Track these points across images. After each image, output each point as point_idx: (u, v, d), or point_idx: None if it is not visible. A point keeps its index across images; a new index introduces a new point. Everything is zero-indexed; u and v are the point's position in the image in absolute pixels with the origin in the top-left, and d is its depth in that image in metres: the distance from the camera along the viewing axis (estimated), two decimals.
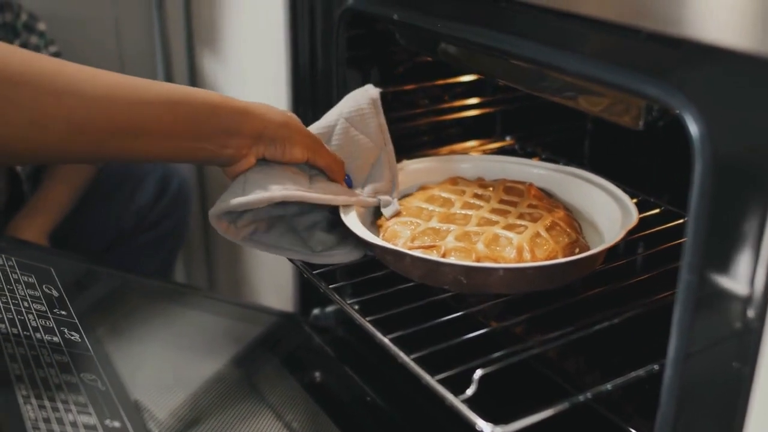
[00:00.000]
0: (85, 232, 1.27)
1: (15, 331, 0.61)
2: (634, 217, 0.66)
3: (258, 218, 0.67)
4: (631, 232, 0.65)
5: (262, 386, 0.81)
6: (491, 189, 0.75)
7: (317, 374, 0.88)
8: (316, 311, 1.01)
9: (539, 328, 0.67)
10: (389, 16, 0.73)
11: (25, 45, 1.19)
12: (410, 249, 0.64)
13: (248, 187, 0.62)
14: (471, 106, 1.00)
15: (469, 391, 0.54)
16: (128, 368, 0.66)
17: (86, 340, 0.66)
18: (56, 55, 1.22)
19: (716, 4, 0.44)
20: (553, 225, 0.66)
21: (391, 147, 0.73)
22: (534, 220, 0.68)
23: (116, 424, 0.56)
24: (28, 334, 0.62)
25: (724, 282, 0.47)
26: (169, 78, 1.42)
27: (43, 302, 0.68)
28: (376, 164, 0.72)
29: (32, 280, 0.71)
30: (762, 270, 0.45)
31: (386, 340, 0.60)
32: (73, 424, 0.53)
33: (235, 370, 0.80)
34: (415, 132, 0.97)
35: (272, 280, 1.21)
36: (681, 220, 0.76)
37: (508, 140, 1.01)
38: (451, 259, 0.63)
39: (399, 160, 0.76)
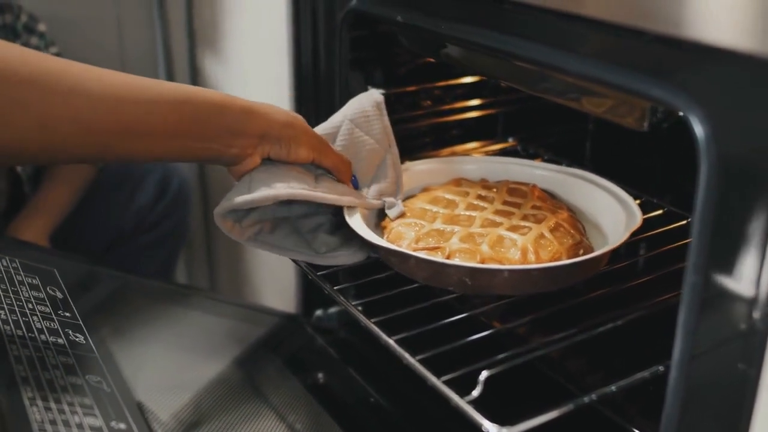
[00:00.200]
0: (85, 232, 1.27)
1: (20, 333, 0.61)
2: (638, 218, 0.66)
3: (263, 218, 0.67)
4: (634, 234, 0.65)
5: (265, 387, 0.81)
6: (495, 190, 0.75)
7: (320, 375, 0.88)
8: (318, 312, 1.01)
9: (543, 329, 0.67)
10: (393, 17, 0.73)
11: (25, 46, 1.18)
12: (415, 250, 0.64)
13: (253, 185, 0.62)
14: (473, 108, 1.00)
15: (475, 393, 0.54)
16: (132, 370, 0.66)
17: (90, 341, 0.66)
18: (57, 56, 1.22)
19: (720, 6, 0.44)
20: (557, 226, 0.67)
21: (395, 149, 0.73)
22: (538, 221, 0.68)
23: (122, 425, 0.56)
24: (33, 335, 0.62)
25: (729, 283, 0.47)
26: (170, 78, 1.42)
27: (48, 304, 0.68)
28: (381, 166, 0.72)
29: (36, 281, 0.71)
30: (767, 271, 0.45)
31: (392, 342, 0.60)
32: (79, 426, 0.53)
33: (238, 372, 0.80)
34: (416, 133, 0.97)
35: (274, 280, 1.21)
36: (684, 221, 0.76)
37: (510, 141, 1.01)
38: (456, 261, 0.63)
39: (401, 161, 0.76)
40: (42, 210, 1.18)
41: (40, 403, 0.53)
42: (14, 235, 1.15)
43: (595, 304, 0.65)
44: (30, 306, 0.66)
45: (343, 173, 0.69)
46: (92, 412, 0.55)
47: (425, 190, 0.77)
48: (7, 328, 0.61)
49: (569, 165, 0.85)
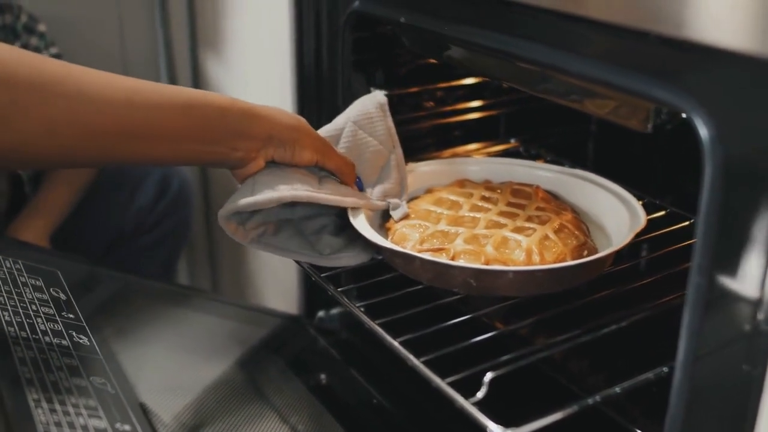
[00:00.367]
0: (85, 233, 1.27)
1: (24, 334, 0.61)
2: (642, 219, 0.66)
3: (266, 220, 0.67)
4: (637, 235, 0.65)
5: (267, 388, 0.81)
6: (499, 191, 0.75)
7: (323, 376, 0.88)
8: (321, 313, 1.01)
9: (547, 330, 0.67)
10: (395, 18, 0.73)
11: (25, 46, 1.19)
12: (419, 252, 0.64)
13: (257, 188, 0.62)
14: (475, 109, 1.01)
15: (480, 394, 0.54)
16: (136, 371, 0.66)
17: (94, 343, 0.66)
18: (57, 56, 1.22)
19: (725, 7, 0.44)
20: (562, 227, 0.67)
21: (399, 150, 0.74)
22: (542, 222, 0.68)
23: (126, 427, 0.56)
24: (37, 337, 0.62)
25: (734, 284, 0.47)
26: (172, 81, 1.42)
27: (51, 305, 0.68)
28: (385, 167, 0.72)
29: (39, 283, 0.72)
30: None
31: (396, 344, 0.60)
32: (84, 428, 0.53)
33: (241, 373, 0.80)
34: (418, 134, 0.97)
35: (277, 282, 1.21)
36: (687, 222, 0.76)
37: (513, 142, 1.01)
38: (461, 262, 0.63)
39: (405, 162, 0.76)
40: (42, 210, 1.18)
41: (45, 404, 0.53)
42: (14, 236, 1.15)
43: (599, 306, 0.65)
44: (34, 307, 0.66)
45: (347, 175, 0.69)
46: (97, 414, 0.55)
47: (429, 191, 0.77)
48: (11, 329, 0.61)
49: (571, 166, 0.85)
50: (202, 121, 0.60)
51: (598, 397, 0.57)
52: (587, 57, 0.55)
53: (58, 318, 0.67)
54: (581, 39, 0.55)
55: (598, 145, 1.00)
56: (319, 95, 0.90)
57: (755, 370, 0.47)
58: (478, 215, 0.70)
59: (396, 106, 0.75)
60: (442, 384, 0.56)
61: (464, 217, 0.70)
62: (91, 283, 0.81)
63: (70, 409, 0.54)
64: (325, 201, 0.65)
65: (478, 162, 0.84)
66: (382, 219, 0.73)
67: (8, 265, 0.71)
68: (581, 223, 0.70)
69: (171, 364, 0.76)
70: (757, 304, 0.46)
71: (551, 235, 0.65)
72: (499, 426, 0.53)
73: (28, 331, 0.62)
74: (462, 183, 0.77)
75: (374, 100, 0.74)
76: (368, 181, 0.72)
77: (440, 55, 0.80)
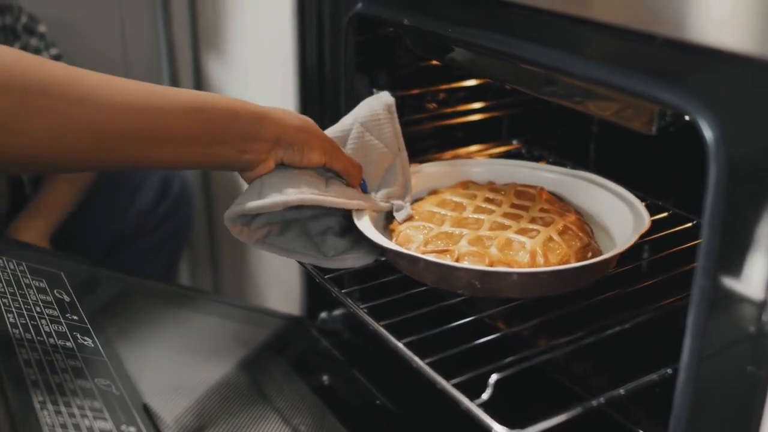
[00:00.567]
0: (85, 235, 1.26)
1: (29, 336, 0.61)
2: (646, 221, 0.66)
3: (272, 221, 0.67)
4: (641, 236, 0.65)
5: (270, 390, 0.81)
6: (503, 193, 0.75)
7: (325, 377, 0.88)
8: (323, 315, 1.01)
9: (551, 332, 0.67)
10: (399, 20, 0.73)
11: (25, 47, 1.18)
12: (424, 253, 0.64)
13: (264, 190, 0.62)
14: (477, 110, 1.01)
15: (485, 396, 0.54)
16: (141, 373, 0.66)
17: (99, 344, 0.66)
18: (57, 57, 1.22)
19: (730, 10, 0.44)
20: (566, 229, 0.67)
21: (405, 153, 0.74)
22: (546, 224, 0.68)
23: (132, 429, 0.56)
24: (41, 339, 0.62)
25: (739, 286, 0.47)
26: (174, 82, 1.41)
27: (55, 307, 0.68)
28: (390, 169, 0.73)
29: (43, 284, 0.72)
30: None
31: (401, 345, 0.61)
32: (90, 430, 0.53)
33: (244, 374, 0.80)
34: (421, 136, 0.97)
35: (279, 283, 1.21)
36: (689, 224, 0.76)
37: (515, 144, 1.01)
38: (466, 264, 0.63)
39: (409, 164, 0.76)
40: (43, 211, 1.18)
41: (50, 406, 0.53)
42: (14, 236, 1.14)
43: (603, 307, 0.65)
44: (38, 309, 0.66)
45: (354, 177, 0.69)
46: (102, 416, 0.55)
47: (433, 192, 0.77)
48: (16, 331, 0.61)
49: (573, 167, 0.85)
50: (212, 124, 0.60)
51: (602, 399, 0.57)
52: (591, 59, 0.55)
53: (62, 320, 0.67)
54: (585, 41, 0.56)
55: (599, 146, 1.00)
56: (322, 97, 0.90)
57: (760, 371, 0.47)
58: (482, 217, 0.70)
59: (398, 108, 0.75)
60: (447, 385, 0.56)
61: (468, 218, 0.70)
62: (94, 284, 0.81)
63: (76, 411, 0.54)
64: (332, 204, 0.65)
65: (482, 163, 0.84)
66: (386, 221, 0.73)
67: (12, 267, 0.71)
68: (585, 225, 0.70)
69: (174, 366, 0.76)
70: (761, 305, 0.46)
71: (555, 237, 0.65)
72: (505, 427, 0.53)
73: (33, 333, 0.62)
74: (466, 184, 0.77)
75: (381, 102, 0.74)
76: (373, 184, 0.72)
77: (443, 56, 0.80)
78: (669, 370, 0.58)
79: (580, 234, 0.67)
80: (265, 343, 0.90)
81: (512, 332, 0.67)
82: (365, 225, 0.66)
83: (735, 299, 0.47)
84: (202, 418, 0.69)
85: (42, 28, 1.22)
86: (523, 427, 0.53)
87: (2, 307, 0.64)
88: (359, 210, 0.68)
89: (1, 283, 0.68)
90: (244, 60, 1.17)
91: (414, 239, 0.67)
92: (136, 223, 1.29)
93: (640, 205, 0.70)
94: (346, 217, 0.69)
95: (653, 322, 0.64)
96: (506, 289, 0.61)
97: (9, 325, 0.62)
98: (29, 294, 0.68)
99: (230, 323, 0.90)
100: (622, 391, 0.58)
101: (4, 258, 0.72)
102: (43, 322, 0.65)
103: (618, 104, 0.64)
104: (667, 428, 0.52)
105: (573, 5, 0.54)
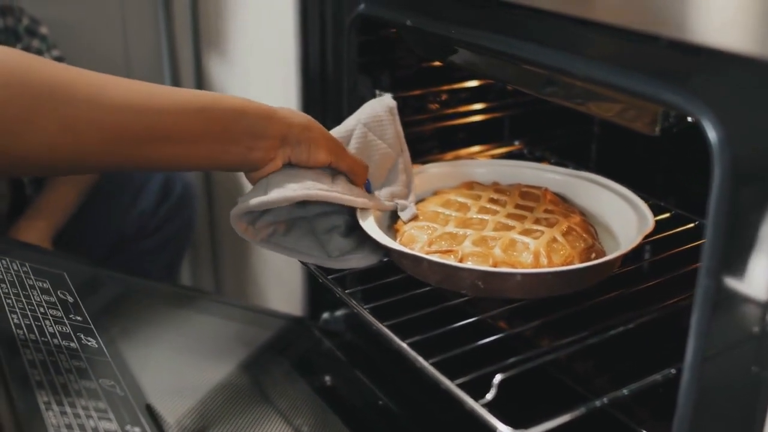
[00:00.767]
0: (87, 236, 1.26)
1: (33, 337, 0.61)
2: (650, 221, 0.66)
3: (277, 220, 0.67)
4: (644, 237, 0.66)
5: (272, 390, 0.81)
6: (507, 194, 0.75)
7: (327, 378, 0.88)
8: (325, 315, 1.01)
9: (554, 332, 0.68)
10: (401, 21, 0.73)
11: (27, 49, 1.18)
12: (428, 253, 0.64)
13: (270, 188, 0.62)
14: (479, 111, 1.01)
15: (489, 396, 0.55)
16: (144, 373, 0.66)
17: (102, 345, 0.66)
18: (59, 59, 1.22)
19: (732, 11, 0.44)
20: (570, 230, 0.67)
21: (407, 153, 0.74)
22: (550, 225, 0.68)
23: (136, 429, 0.56)
24: (45, 339, 0.62)
25: (742, 286, 0.47)
26: (175, 82, 1.42)
27: (59, 308, 0.69)
28: (393, 170, 0.73)
29: (46, 285, 0.72)
30: None
31: (405, 345, 0.61)
32: (95, 430, 0.53)
33: (246, 374, 0.80)
34: (423, 137, 0.97)
35: (280, 283, 1.21)
36: (692, 224, 0.76)
37: (517, 144, 1.02)
38: (469, 264, 0.63)
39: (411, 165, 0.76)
40: (44, 212, 1.18)
41: (55, 407, 0.53)
42: (16, 238, 1.14)
43: (606, 307, 0.66)
44: (42, 310, 0.66)
45: (359, 176, 0.69)
46: (107, 416, 0.56)
47: (437, 193, 0.77)
48: (20, 332, 0.61)
49: (575, 168, 0.85)
50: (219, 122, 0.60)
51: (605, 399, 0.57)
52: (594, 60, 0.55)
53: (65, 320, 0.67)
54: (588, 42, 0.56)
55: (601, 146, 1.00)
56: (324, 98, 0.90)
57: (764, 371, 0.47)
58: (486, 217, 0.70)
59: (400, 109, 0.75)
60: (451, 386, 0.56)
61: (472, 219, 0.70)
62: (97, 285, 0.81)
63: (81, 412, 0.54)
64: (338, 200, 0.64)
65: (486, 164, 0.84)
66: (391, 220, 0.73)
67: (15, 268, 0.71)
68: (589, 226, 0.70)
69: (177, 366, 0.76)
70: (765, 306, 0.46)
71: (559, 238, 0.65)
72: (509, 427, 0.53)
73: (37, 334, 0.62)
74: (470, 185, 0.77)
75: (384, 104, 0.74)
76: (376, 184, 0.72)
77: (445, 57, 0.80)
78: (672, 371, 0.58)
79: (585, 235, 0.67)
80: (267, 343, 0.90)
81: (515, 332, 0.67)
82: (370, 225, 0.66)
83: (738, 299, 0.47)
84: (204, 418, 0.69)
85: (44, 30, 1.22)
86: (526, 427, 0.53)
87: (6, 308, 0.64)
88: (364, 210, 0.68)
89: (5, 283, 0.68)
90: (246, 60, 1.17)
91: (418, 239, 0.67)
92: (138, 224, 1.28)
93: (644, 206, 0.70)
94: (352, 216, 0.69)
95: (656, 323, 0.65)
96: (510, 290, 0.61)
97: (13, 326, 0.62)
98: (33, 295, 0.68)
99: (232, 324, 0.90)
100: (625, 391, 0.58)
101: (7, 259, 0.72)
102: (47, 322, 0.65)
103: (621, 105, 0.64)
104: (670, 428, 0.52)
105: (575, 6, 0.55)
